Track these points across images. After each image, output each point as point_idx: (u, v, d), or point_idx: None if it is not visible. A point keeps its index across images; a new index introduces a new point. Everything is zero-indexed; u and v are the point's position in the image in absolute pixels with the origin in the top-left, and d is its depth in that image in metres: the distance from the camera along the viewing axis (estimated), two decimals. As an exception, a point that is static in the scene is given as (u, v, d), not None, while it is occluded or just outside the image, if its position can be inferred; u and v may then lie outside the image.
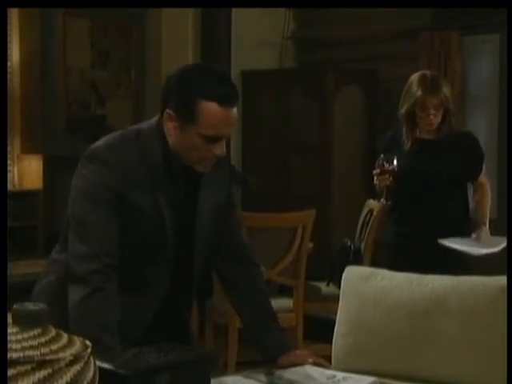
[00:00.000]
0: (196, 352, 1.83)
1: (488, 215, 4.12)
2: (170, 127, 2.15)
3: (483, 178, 4.14)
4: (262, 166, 6.47)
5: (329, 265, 4.88)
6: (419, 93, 3.89)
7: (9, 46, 6.50)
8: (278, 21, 6.59)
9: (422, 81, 3.94)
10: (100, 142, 2.23)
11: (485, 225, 4.06)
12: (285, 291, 4.75)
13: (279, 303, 4.64)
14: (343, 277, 2.83)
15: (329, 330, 2.83)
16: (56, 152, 6.28)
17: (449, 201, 3.99)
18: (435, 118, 3.92)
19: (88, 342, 1.52)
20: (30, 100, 6.54)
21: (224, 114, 2.09)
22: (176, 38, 6.47)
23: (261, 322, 2.35)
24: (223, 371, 4.34)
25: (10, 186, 6.45)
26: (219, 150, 2.14)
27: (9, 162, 6.51)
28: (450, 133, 4.00)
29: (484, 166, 4.12)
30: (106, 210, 2.14)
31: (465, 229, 4.13)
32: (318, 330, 4.84)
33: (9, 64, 6.51)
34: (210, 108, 2.08)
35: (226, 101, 2.09)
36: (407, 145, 4.05)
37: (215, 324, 4.78)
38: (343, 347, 2.79)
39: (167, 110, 2.14)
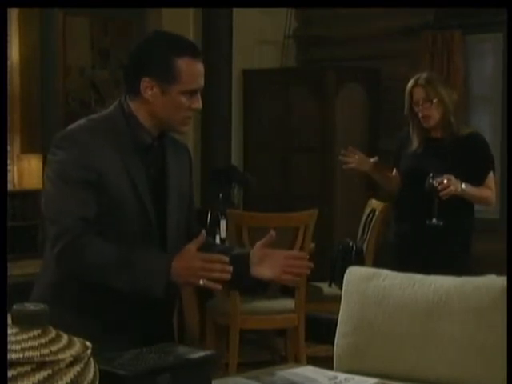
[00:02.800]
0: (197, 353, 1.82)
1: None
2: (150, 95, 2.25)
3: (490, 182, 4.11)
4: (263, 165, 6.46)
5: (331, 265, 4.86)
6: (408, 86, 4.09)
7: (8, 45, 6.48)
8: (280, 19, 6.58)
9: (416, 77, 4.12)
10: (68, 127, 2.30)
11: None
12: (287, 292, 4.72)
13: (281, 304, 4.64)
14: (345, 277, 2.82)
15: (331, 330, 2.82)
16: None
17: (452, 202, 3.97)
18: (428, 112, 4.01)
19: (88, 343, 1.51)
20: (29, 99, 6.52)
21: (197, 66, 2.26)
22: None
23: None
24: (224, 372, 4.33)
25: (9, 186, 6.42)
26: (197, 103, 2.29)
27: (8, 161, 6.48)
28: (457, 133, 4.05)
29: (492, 173, 4.10)
30: (80, 190, 2.18)
31: (467, 233, 4.12)
32: (320, 331, 4.83)
33: (8, 63, 6.48)
34: (186, 63, 2.23)
35: (196, 53, 2.26)
36: (413, 145, 4.13)
37: (216, 325, 4.76)
38: (345, 348, 2.78)
39: (144, 79, 2.24)
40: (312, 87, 6.24)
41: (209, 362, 1.80)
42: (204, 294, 4.68)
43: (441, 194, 3.91)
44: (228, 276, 2.10)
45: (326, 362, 2.62)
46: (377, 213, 4.90)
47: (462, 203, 4.04)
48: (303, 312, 4.65)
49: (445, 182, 3.90)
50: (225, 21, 6.18)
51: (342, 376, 2.30)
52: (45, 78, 6.56)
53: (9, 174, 6.44)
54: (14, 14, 6.43)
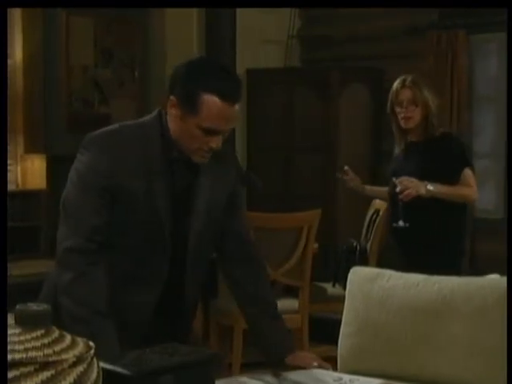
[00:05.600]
0: (200, 353, 1.81)
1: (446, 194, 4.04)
2: (172, 113, 2.20)
3: (468, 179, 4.09)
4: (266, 165, 6.45)
5: (334, 265, 4.85)
6: (394, 86, 4.14)
7: (11, 44, 6.48)
8: (283, 19, 6.57)
9: (402, 79, 4.17)
10: (99, 130, 2.27)
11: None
12: (290, 292, 4.72)
13: (284, 304, 4.60)
14: (349, 277, 2.81)
15: (335, 331, 2.81)
16: (59, 151, 6.24)
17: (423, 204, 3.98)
18: (410, 113, 4.05)
19: (91, 343, 1.50)
20: (32, 99, 6.52)
21: (224, 109, 2.14)
22: (180, 37, 6.45)
23: (264, 322, 2.33)
24: (228, 372, 4.32)
25: (13, 186, 6.43)
26: (215, 143, 2.18)
27: (12, 161, 6.48)
28: (433, 135, 4.08)
29: (468, 169, 4.08)
30: (95, 196, 2.17)
31: (454, 233, 4.11)
32: (324, 331, 4.82)
33: (11, 63, 6.48)
34: (210, 101, 2.12)
35: (227, 96, 2.14)
36: (398, 148, 4.22)
37: (220, 325, 4.76)
38: (349, 348, 2.77)
39: (171, 97, 2.19)
40: (316, 87, 6.23)
41: (212, 362, 1.79)
42: (207, 295, 4.67)
43: (400, 196, 3.95)
44: None
45: (329, 363, 2.60)
46: (381, 213, 4.89)
47: (439, 204, 4.02)
48: (307, 312, 4.64)
49: (405, 183, 3.93)
50: (228, 21, 6.17)
51: (346, 377, 2.29)
52: (48, 78, 6.56)
53: (12, 174, 6.44)
54: (17, 13, 6.43)
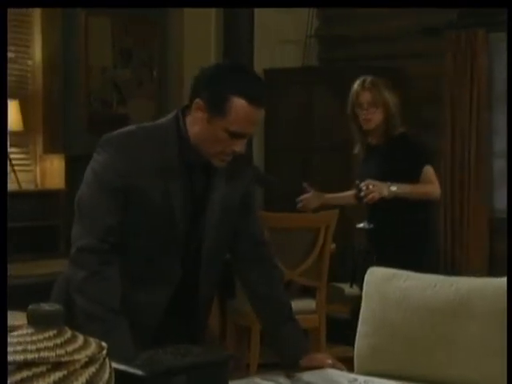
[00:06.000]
0: (213, 354, 1.81)
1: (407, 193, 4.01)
2: (196, 117, 2.20)
3: (429, 176, 4.08)
4: (284, 165, 6.44)
5: (352, 266, 4.83)
6: (354, 88, 4.19)
7: (31, 45, 6.51)
8: (301, 18, 6.55)
9: (361, 80, 4.23)
10: (117, 131, 2.28)
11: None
12: (307, 292, 4.70)
13: (301, 304, 4.60)
14: (366, 278, 2.80)
15: (352, 331, 2.79)
16: (78, 151, 6.26)
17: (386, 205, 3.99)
18: (371, 115, 4.08)
19: (104, 344, 1.50)
20: (52, 99, 6.54)
21: (252, 112, 2.16)
22: (198, 37, 6.45)
23: (279, 323, 2.32)
24: (245, 373, 4.31)
25: (32, 186, 6.46)
26: (239, 146, 2.19)
27: (31, 162, 6.52)
28: (393, 135, 4.10)
29: (428, 167, 4.08)
30: (110, 196, 2.18)
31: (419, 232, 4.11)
32: (341, 332, 4.80)
33: (31, 63, 6.51)
34: (239, 104, 2.14)
35: (255, 100, 2.16)
36: (361, 152, 4.27)
37: (237, 325, 4.75)
38: (366, 349, 2.76)
39: (198, 100, 2.18)
40: (334, 86, 6.20)
41: (225, 363, 1.79)
42: (224, 295, 4.67)
43: (365, 200, 3.97)
44: None
45: (346, 364, 2.59)
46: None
47: (404, 203, 4.00)
48: (324, 313, 4.63)
49: (370, 187, 3.94)
50: (246, 20, 6.17)
51: (361, 378, 2.28)
52: (67, 78, 6.58)
53: (31, 174, 6.48)
54: (36, 14, 6.46)
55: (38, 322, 1.45)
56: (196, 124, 2.21)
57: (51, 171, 6.44)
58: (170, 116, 2.29)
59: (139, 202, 2.20)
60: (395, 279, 2.76)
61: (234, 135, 2.16)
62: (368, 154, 4.21)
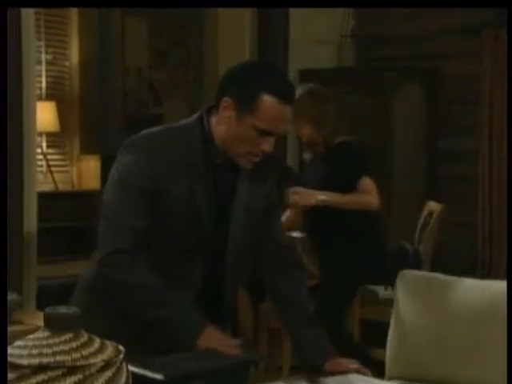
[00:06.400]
0: (233, 359, 1.78)
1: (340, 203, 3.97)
2: (224, 116, 2.17)
3: (367, 186, 4.03)
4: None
5: (387, 268, 4.78)
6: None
7: (68, 47, 6.56)
8: (337, 18, 6.51)
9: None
10: (139, 134, 2.26)
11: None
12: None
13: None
14: (398, 281, 2.77)
15: (386, 335, 2.76)
16: (114, 152, 6.28)
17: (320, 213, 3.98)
18: (297, 130, 4.04)
19: (121, 347, 1.47)
20: (88, 100, 6.58)
21: (282, 110, 2.14)
22: (233, 38, 6.44)
23: (302, 327, 2.29)
24: (277, 374, 4.29)
25: (68, 187, 6.52)
26: (268, 145, 2.17)
27: (68, 162, 6.57)
28: (332, 145, 4.05)
29: (366, 177, 4.03)
30: (135, 197, 2.16)
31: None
32: (375, 335, 4.74)
33: (68, 64, 6.57)
34: (270, 102, 2.12)
35: (286, 98, 2.14)
36: (307, 158, 4.26)
37: (269, 327, 4.72)
38: (396, 353, 2.72)
39: (226, 98, 2.15)
40: (370, 87, 6.15)
41: (245, 367, 1.76)
42: (257, 297, 4.65)
43: (290, 207, 3.96)
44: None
45: (380, 368, 2.56)
46: (435, 215, 4.80)
47: (337, 213, 3.97)
48: (357, 316, 4.57)
49: (295, 197, 3.93)
50: (281, 21, 6.14)
51: (384, 384, 2.24)
52: (103, 79, 6.62)
53: (68, 175, 6.53)
54: (73, 15, 6.51)
55: (55, 325, 1.43)
56: (223, 123, 2.18)
57: (87, 172, 6.48)
58: (194, 116, 2.27)
59: (165, 203, 2.18)
60: (428, 283, 2.73)
61: (263, 133, 2.14)
62: (312, 161, 4.19)
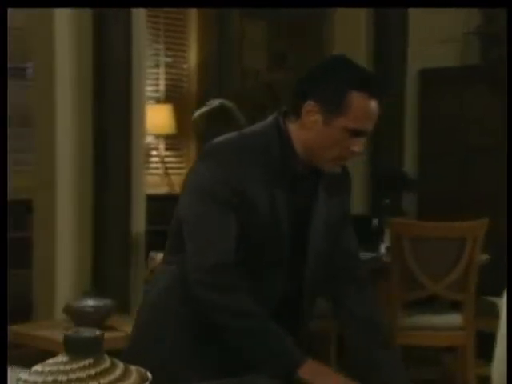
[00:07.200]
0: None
1: None
2: (308, 121, 2.05)
3: None
4: (439, 169, 6.17)
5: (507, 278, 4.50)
6: None
7: (187, 49, 6.57)
8: (459, 15, 6.25)
9: None
10: (217, 140, 2.14)
11: None
12: (455, 307, 4.40)
13: (447, 320, 4.32)
14: (507, 291, 2.56)
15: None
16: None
17: None
18: None
19: (149, 374, 1.37)
20: (206, 103, 6.57)
21: (372, 106, 2.02)
22: (349, 39, 6.29)
23: (374, 352, 2.12)
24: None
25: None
26: (358, 146, 2.05)
27: (185, 165, 6.56)
28: None
29: None
30: (223, 211, 2.04)
31: None
32: (493, 349, 4.48)
33: (186, 67, 6.58)
34: (360, 99, 2.01)
35: (375, 92, 2.02)
36: None
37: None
38: (501, 373, 2.52)
39: (309, 102, 2.04)
40: (492, 85, 5.88)
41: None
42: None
43: None
44: None
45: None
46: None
47: None
48: (473, 329, 4.31)
49: None
50: (399, 19, 5.97)
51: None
52: (221, 81, 6.59)
53: (182, 178, 6.52)
54: (192, 18, 6.51)
55: (74, 350, 1.35)
56: (309, 129, 2.06)
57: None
58: (267, 123, 2.15)
59: (249, 214, 2.06)
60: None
61: (355, 133, 2.02)
62: None
